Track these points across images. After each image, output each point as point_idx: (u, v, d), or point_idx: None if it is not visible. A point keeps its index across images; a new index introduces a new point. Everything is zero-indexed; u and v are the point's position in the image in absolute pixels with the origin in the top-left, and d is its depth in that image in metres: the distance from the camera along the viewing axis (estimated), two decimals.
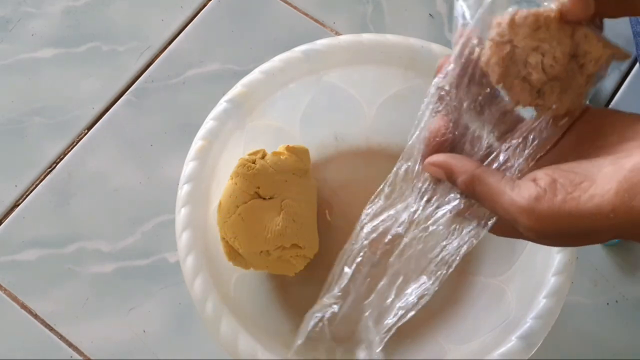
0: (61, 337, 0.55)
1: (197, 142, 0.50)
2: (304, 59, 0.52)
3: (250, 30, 0.67)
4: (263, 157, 0.51)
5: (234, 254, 0.49)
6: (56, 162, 0.62)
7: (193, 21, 0.67)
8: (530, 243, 0.45)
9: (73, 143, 0.62)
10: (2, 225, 0.59)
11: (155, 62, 0.66)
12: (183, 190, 0.48)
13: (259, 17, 0.67)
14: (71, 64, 0.66)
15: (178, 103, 0.63)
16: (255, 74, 0.52)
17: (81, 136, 0.63)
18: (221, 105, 0.51)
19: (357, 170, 0.56)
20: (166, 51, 0.66)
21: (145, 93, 0.64)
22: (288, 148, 0.52)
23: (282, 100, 0.53)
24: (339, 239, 0.53)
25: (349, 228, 0.53)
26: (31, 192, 0.60)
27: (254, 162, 0.50)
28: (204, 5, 0.68)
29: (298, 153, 0.52)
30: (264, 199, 0.50)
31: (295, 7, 0.67)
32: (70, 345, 0.55)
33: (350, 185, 0.56)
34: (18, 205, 0.60)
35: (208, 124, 0.51)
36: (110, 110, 0.64)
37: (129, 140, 0.63)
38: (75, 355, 0.55)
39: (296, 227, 0.50)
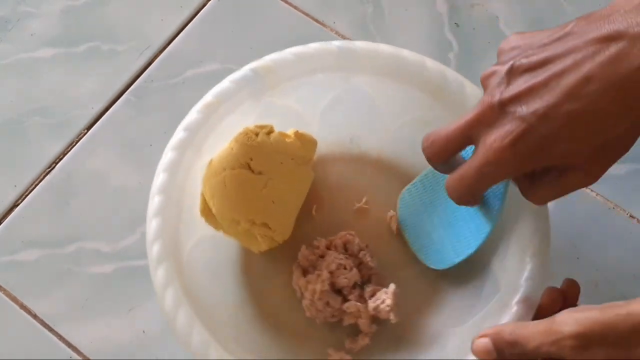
0: (60, 338, 0.55)
1: (207, 98, 0.50)
2: (337, 54, 0.52)
3: (250, 30, 0.67)
4: (269, 133, 0.51)
5: (207, 212, 0.50)
6: (55, 162, 0.61)
7: (193, 21, 0.67)
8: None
9: (72, 143, 0.62)
10: (1, 225, 0.59)
11: (155, 61, 0.66)
12: (178, 136, 0.49)
13: (259, 17, 0.67)
14: (70, 64, 0.66)
15: (178, 103, 0.63)
16: (285, 54, 0.52)
17: (80, 136, 0.63)
18: (243, 71, 0.51)
19: (361, 178, 0.56)
20: (166, 51, 0.66)
21: (145, 93, 0.64)
22: (296, 134, 0.52)
23: (307, 87, 0.53)
24: (315, 236, 0.53)
25: (331, 230, 0.53)
26: (30, 192, 0.60)
27: (256, 135, 0.50)
28: (204, 5, 0.68)
29: (304, 141, 0.52)
30: (253, 172, 0.50)
31: (295, 7, 0.67)
32: (69, 345, 0.55)
33: (349, 190, 0.55)
34: (17, 205, 0.60)
35: (223, 84, 0.51)
36: (110, 110, 0.64)
37: (128, 140, 0.62)
38: (75, 356, 0.54)
39: (272, 208, 0.50)
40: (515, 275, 0.46)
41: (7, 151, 0.62)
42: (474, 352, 0.40)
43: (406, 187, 0.53)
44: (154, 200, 0.48)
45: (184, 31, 0.67)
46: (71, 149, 0.62)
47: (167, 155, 0.49)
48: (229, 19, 0.67)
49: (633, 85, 0.37)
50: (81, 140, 0.62)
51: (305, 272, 0.52)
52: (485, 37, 0.67)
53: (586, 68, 0.37)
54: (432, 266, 0.51)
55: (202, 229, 0.51)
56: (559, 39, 0.39)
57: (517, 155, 0.40)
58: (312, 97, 0.54)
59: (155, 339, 0.55)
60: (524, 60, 0.40)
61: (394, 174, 0.55)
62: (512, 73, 0.40)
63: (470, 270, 0.50)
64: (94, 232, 0.59)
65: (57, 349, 0.55)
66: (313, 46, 0.52)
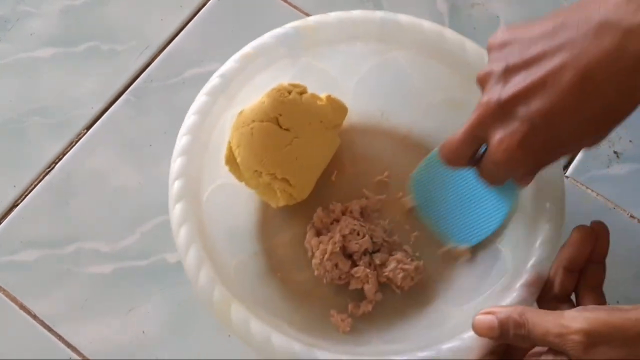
0: (60, 338, 0.55)
1: (245, 49, 0.52)
2: (380, 24, 0.52)
3: (250, 30, 0.66)
4: (302, 93, 0.52)
5: (232, 161, 0.51)
6: (55, 162, 0.61)
7: (192, 20, 0.67)
8: (521, 198, 0.49)
9: (72, 143, 0.62)
10: (0, 225, 0.59)
11: (155, 61, 0.65)
12: (213, 82, 0.51)
13: (258, 17, 0.67)
14: (70, 64, 0.66)
15: (177, 103, 0.63)
16: (328, 16, 0.53)
17: (80, 136, 0.62)
18: (284, 29, 0.52)
19: (387, 152, 0.56)
20: (165, 51, 0.66)
21: (145, 93, 0.64)
22: (328, 98, 0.53)
23: (345, 55, 0.54)
24: (332, 201, 0.54)
25: (348, 198, 0.54)
26: (30, 192, 0.60)
27: (289, 92, 0.51)
28: (204, 5, 0.68)
29: (335, 107, 0.53)
30: (280, 127, 0.51)
31: (295, 7, 0.67)
32: (69, 346, 0.55)
33: (372, 162, 0.56)
34: (17, 205, 0.60)
35: (263, 38, 0.52)
36: (110, 110, 0.64)
37: (128, 140, 0.62)
38: (74, 356, 0.54)
39: (295, 166, 0.51)
40: (523, 261, 0.46)
41: (7, 151, 0.62)
42: (476, 328, 0.41)
43: (413, 173, 0.53)
44: (182, 140, 0.49)
45: (183, 31, 0.67)
46: (71, 148, 0.62)
47: (200, 99, 0.50)
48: (228, 18, 0.67)
49: (634, 76, 0.36)
50: (81, 140, 0.62)
51: (318, 234, 0.53)
52: (486, 37, 0.66)
53: (583, 62, 0.37)
54: (458, 245, 0.52)
55: (224, 176, 0.52)
56: (551, 32, 0.39)
57: (527, 154, 0.40)
58: (349, 66, 0.55)
59: (155, 339, 0.55)
60: (518, 58, 0.40)
61: (420, 153, 0.56)
62: (508, 71, 0.40)
63: (481, 253, 0.51)
64: (93, 232, 0.59)
65: (56, 349, 0.55)
66: (356, 13, 0.53)
